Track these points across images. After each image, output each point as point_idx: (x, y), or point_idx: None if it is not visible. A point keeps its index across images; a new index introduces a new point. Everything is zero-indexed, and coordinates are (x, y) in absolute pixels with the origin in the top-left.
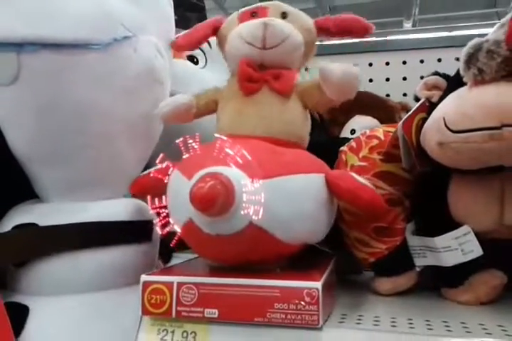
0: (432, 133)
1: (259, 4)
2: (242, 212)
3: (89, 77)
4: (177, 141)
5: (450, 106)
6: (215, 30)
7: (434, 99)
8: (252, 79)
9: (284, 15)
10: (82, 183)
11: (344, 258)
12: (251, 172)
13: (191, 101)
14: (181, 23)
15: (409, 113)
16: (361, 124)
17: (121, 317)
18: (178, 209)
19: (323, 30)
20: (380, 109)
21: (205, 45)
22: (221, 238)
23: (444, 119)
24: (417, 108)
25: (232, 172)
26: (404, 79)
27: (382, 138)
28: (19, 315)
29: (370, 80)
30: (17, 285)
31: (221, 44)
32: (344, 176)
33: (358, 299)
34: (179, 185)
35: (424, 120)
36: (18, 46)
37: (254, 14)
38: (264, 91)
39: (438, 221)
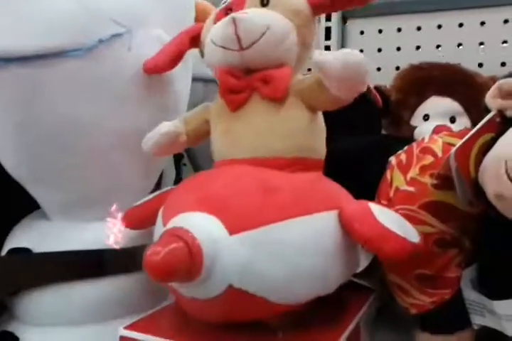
0: (490, 178)
1: None
2: (217, 276)
3: (70, 88)
4: None
5: None
6: (195, 40)
7: (510, 113)
8: (236, 90)
9: (264, 2)
10: (80, 203)
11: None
12: (230, 222)
13: (177, 127)
14: None
15: (467, 136)
16: (437, 108)
17: None
18: None
19: (317, 7)
20: (464, 87)
21: None
22: (199, 301)
23: (505, 163)
24: (481, 127)
25: (204, 226)
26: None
27: (440, 154)
28: None
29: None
30: (12, 313)
31: (202, 54)
32: (362, 216)
33: None
34: (158, 231)
35: (490, 145)
36: None
37: (229, 10)
38: (254, 102)
39: (501, 278)
